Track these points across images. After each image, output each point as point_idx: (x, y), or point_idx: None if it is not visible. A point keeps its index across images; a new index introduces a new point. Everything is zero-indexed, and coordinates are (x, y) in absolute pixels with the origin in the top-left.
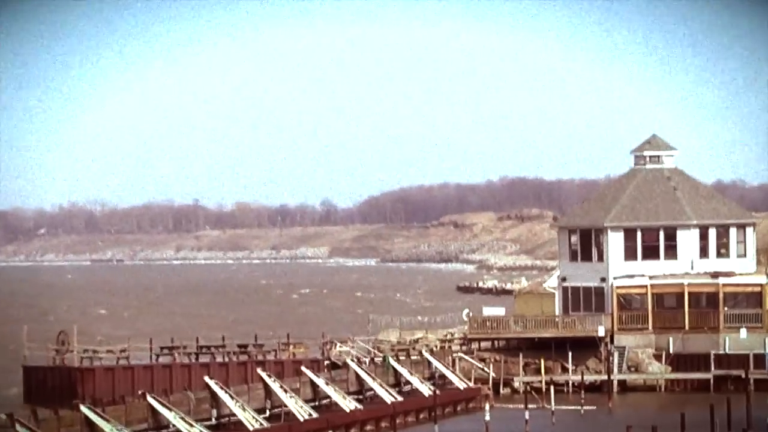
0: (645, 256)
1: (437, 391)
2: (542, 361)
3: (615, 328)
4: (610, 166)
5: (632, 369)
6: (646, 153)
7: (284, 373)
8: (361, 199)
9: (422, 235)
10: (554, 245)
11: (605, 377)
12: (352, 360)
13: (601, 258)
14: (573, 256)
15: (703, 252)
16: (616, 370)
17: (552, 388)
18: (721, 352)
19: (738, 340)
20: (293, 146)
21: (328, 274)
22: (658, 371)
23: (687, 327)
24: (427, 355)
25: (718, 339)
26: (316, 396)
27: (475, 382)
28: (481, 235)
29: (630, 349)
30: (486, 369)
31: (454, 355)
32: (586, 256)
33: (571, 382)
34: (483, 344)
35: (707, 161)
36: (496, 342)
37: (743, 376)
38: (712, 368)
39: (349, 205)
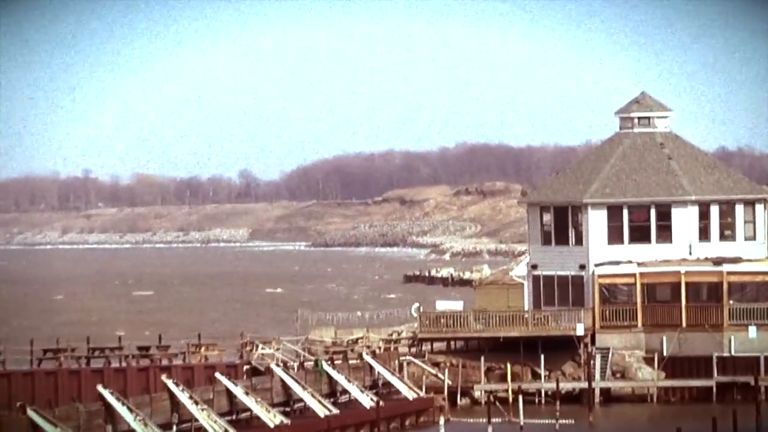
0: (633, 239)
1: (381, 403)
2: (508, 365)
3: (597, 326)
4: (591, 130)
5: (618, 375)
6: (634, 114)
7: (194, 380)
8: (287, 170)
9: (362, 214)
10: (523, 226)
11: (585, 385)
12: (277, 365)
13: (579, 241)
14: (546, 239)
15: (704, 234)
16: (598, 376)
17: (520, 398)
18: (726, 354)
19: (746, 340)
20: (205, 106)
21: (247, 260)
22: (649, 378)
23: (684, 324)
24: (368, 358)
25: (721, 339)
26: (233, 408)
27: (426, 392)
28: (433, 214)
29: (615, 351)
30: (440, 375)
31: (402, 358)
32: (562, 239)
33: (543, 391)
34: (436, 345)
35: (708, 124)
36: (452, 343)
37: (752, 383)
38: (715, 374)
39: (274, 177)
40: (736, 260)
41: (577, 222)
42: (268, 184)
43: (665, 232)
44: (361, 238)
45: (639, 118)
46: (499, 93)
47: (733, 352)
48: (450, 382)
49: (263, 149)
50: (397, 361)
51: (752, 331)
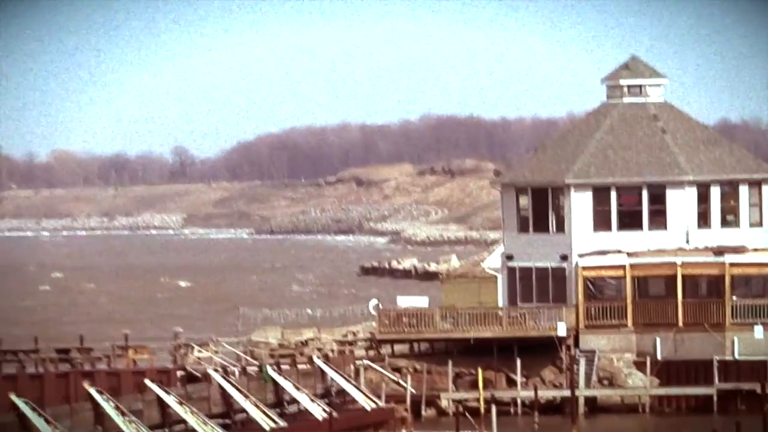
0: (622, 225)
1: (334, 413)
2: (480, 371)
3: (581, 326)
4: (574, 100)
5: (605, 382)
6: (624, 82)
7: (121, 388)
8: (227, 146)
9: (313, 197)
10: (496, 210)
11: (568, 393)
12: (216, 370)
13: (561, 228)
14: (522, 226)
15: (703, 219)
16: (582, 383)
17: (494, 408)
18: (728, 357)
19: (751, 341)
20: (133, 75)
21: (181, 249)
22: (640, 385)
23: (681, 323)
24: (320, 363)
25: (723, 340)
26: (165, 420)
27: (386, 401)
28: (394, 197)
29: (602, 354)
30: (402, 382)
31: (358, 363)
32: (541, 226)
33: (520, 401)
34: (397, 348)
35: (708, 94)
36: (415, 345)
37: (758, 390)
38: (716, 380)
39: (211, 155)
40: (740, 250)
41: (559, 206)
42: (206, 162)
43: (659, 218)
44: (312, 224)
45: (629, 86)
46: (469, 58)
47: (736, 355)
48: (413, 390)
49: (200, 124)
50: (352, 366)
51: (758, 331)
